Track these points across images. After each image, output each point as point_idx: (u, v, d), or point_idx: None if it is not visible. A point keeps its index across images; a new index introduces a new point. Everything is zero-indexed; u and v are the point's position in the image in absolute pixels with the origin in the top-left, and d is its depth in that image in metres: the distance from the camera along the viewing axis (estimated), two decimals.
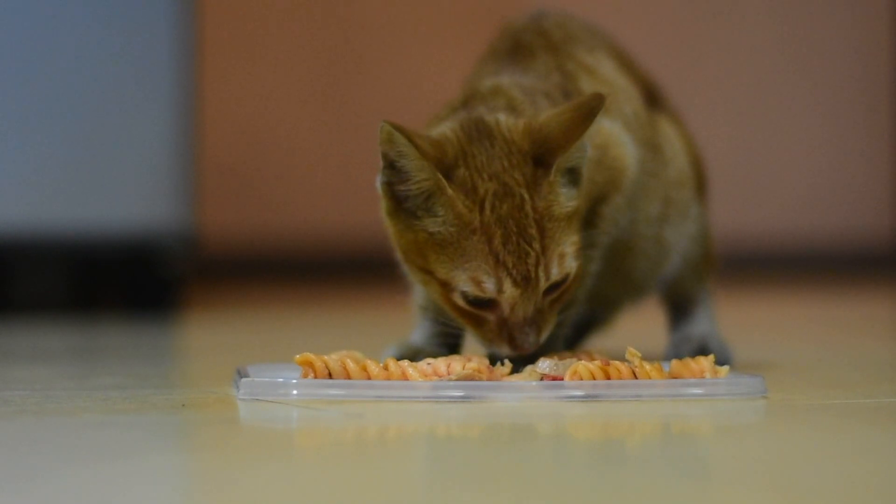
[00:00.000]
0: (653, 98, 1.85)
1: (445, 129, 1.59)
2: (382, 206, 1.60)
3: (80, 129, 3.04)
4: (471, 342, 1.74)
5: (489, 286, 1.53)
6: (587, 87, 1.72)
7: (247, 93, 4.49)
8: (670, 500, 1.03)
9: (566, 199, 1.56)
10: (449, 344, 1.71)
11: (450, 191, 1.54)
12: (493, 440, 1.34)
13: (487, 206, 1.54)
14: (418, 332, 1.73)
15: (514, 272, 1.53)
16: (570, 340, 1.81)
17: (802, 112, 4.86)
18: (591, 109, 1.55)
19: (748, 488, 1.07)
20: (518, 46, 1.76)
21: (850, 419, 1.45)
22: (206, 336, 2.79)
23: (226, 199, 4.43)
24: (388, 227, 1.61)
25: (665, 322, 1.96)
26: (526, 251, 1.53)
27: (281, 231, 4.52)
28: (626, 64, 1.82)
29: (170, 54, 3.08)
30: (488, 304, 1.55)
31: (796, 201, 4.86)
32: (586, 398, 1.50)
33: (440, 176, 1.54)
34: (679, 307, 1.94)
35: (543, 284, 1.54)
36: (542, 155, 1.56)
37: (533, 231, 1.53)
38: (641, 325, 2.17)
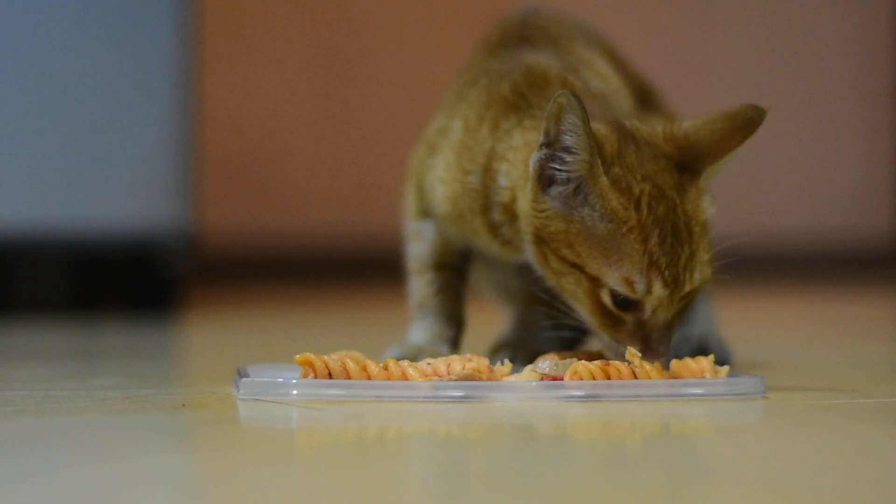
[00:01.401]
0: (644, 98, 1.85)
1: (599, 126, 1.56)
2: (530, 186, 1.55)
3: (80, 129, 3.04)
4: (471, 342, 1.74)
5: (640, 286, 1.52)
6: (589, 80, 1.71)
7: (247, 93, 4.49)
8: (670, 500, 1.03)
9: (707, 207, 1.57)
10: (449, 343, 1.71)
11: (605, 180, 1.52)
12: (493, 440, 1.34)
13: (644, 205, 1.53)
14: (418, 331, 1.73)
15: (667, 273, 1.52)
16: (570, 340, 1.81)
17: (802, 112, 4.86)
18: (750, 121, 1.58)
19: (748, 488, 1.07)
20: (523, 37, 1.75)
21: (850, 419, 1.45)
22: (206, 336, 2.79)
23: (226, 199, 4.43)
24: (530, 212, 1.55)
25: None
26: (678, 254, 1.53)
27: (281, 231, 4.51)
28: (617, 63, 1.82)
29: (170, 54, 3.08)
30: (633, 304, 1.53)
31: (796, 201, 4.86)
32: (586, 398, 1.50)
33: (598, 161, 1.52)
34: None
35: (688, 288, 1.54)
36: (688, 162, 1.56)
37: (684, 235, 1.54)
38: None
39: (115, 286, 3.24)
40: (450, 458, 1.24)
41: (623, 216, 1.52)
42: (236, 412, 1.48)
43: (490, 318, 1.86)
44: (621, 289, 1.52)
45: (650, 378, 1.52)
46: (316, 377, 1.52)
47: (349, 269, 4.44)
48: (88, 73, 3.04)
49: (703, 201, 1.57)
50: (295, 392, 1.50)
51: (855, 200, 4.89)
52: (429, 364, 1.53)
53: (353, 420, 1.42)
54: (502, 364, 1.56)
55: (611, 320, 1.54)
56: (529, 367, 1.55)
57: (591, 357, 1.55)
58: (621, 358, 1.53)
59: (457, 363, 1.52)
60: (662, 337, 1.53)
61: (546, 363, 1.54)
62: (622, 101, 1.75)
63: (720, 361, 1.58)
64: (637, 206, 1.53)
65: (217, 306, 3.54)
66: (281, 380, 1.52)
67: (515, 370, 1.56)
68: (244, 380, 1.52)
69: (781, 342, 2.53)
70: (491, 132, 1.62)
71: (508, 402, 1.49)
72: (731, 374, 1.55)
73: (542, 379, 1.52)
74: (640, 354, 1.53)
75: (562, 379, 1.51)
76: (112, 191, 3.07)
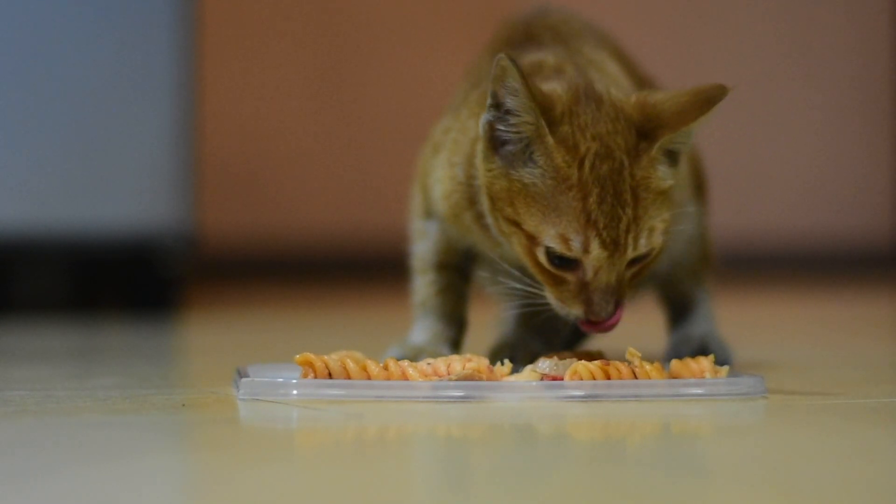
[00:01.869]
0: None
1: (555, 86, 1.58)
2: (480, 147, 1.58)
3: (80, 130, 3.04)
4: (471, 342, 1.75)
5: (576, 244, 1.52)
6: (598, 83, 1.72)
7: (247, 93, 4.49)
8: (670, 500, 1.03)
9: (663, 176, 1.56)
10: (450, 343, 1.71)
11: (550, 139, 1.53)
12: (493, 440, 1.34)
13: (587, 164, 1.53)
14: (418, 331, 1.73)
15: (605, 234, 1.52)
16: (570, 340, 1.82)
17: (802, 112, 4.86)
18: (710, 98, 1.56)
19: (748, 488, 1.07)
20: (531, 37, 1.75)
21: (850, 419, 1.45)
22: (206, 336, 2.79)
23: (226, 199, 4.43)
24: (482, 173, 1.58)
25: (665, 322, 1.96)
26: (619, 215, 1.52)
27: (281, 231, 4.51)
28: (626, 63, 1.82)
29: (170, 54, 3.08)
30: (572, 264, 1.54)
31: (796, 201, 4.86)
32: (586, 398, 1.50)
33: (543, 122, 1.53)
34: (678, 307, 1.94)
35: (630, 253, 1.53)
36: (649, 129, 1.55)
37: (628, 197, 1.53)
38: (641, 325, 2.17)
39: (115, 286, 3.24)
40: (450, 458, 1.24)
41: (565, 173, 1.53)
42: (236, 412, 1.48)
43: (490, 319, 1.86)
44: (557, 246, 1.53)
45: (650, 378, 1.52)
46: (316, 377, 1.52)
47: (349, 269, 4.44)
48: (88, 74, 3.04)
49: (656, 169, 1.55)
50: (295, 392, 1.50)
51: (855, 200, 4.89)
52: (429, 364, 1.53)
53: (353, 420, 1.42)
54: (502, 364, 1.56)
55: (553, 279, 1.55)
56: (529, 367, 1.55)
57: (591, 357, 1.55)
58: (566, 317, 1.55)
59: (457, 363, 1.52)
60: (605, 300, 1.53)
61: (546, 363, 1.54)
62: None
63: (720, 361, 1.58)
64: (580, 165, 1.53)
65: (217, 306, 3.54)
66: (281, 380, 1.52)
67: (515, 370, 1.56)
68: (244, 380, 1.52)
69: (781, 342, 2.53)
70: (476, 123, 1.62)
71: (508, 402, 1.49)
72: (731, 375, 1.55)
73: (542, 379, 1.52)
74: (639, 354, 1.53)
75: (562, 379, 1.51)
76: (112, 191, 3.07)
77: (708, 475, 1.15)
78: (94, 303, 3.25)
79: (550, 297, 1.56)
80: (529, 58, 1.68)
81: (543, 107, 1.54)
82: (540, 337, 1.71)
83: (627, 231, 1.52)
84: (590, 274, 1.53)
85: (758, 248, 4.78)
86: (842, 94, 4.87)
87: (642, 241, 1.53)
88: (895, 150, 4.91)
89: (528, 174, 1.55)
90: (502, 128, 1.55)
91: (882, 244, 4.86)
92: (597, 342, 1.92)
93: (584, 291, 1.54)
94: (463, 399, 1.49)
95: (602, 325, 1.54)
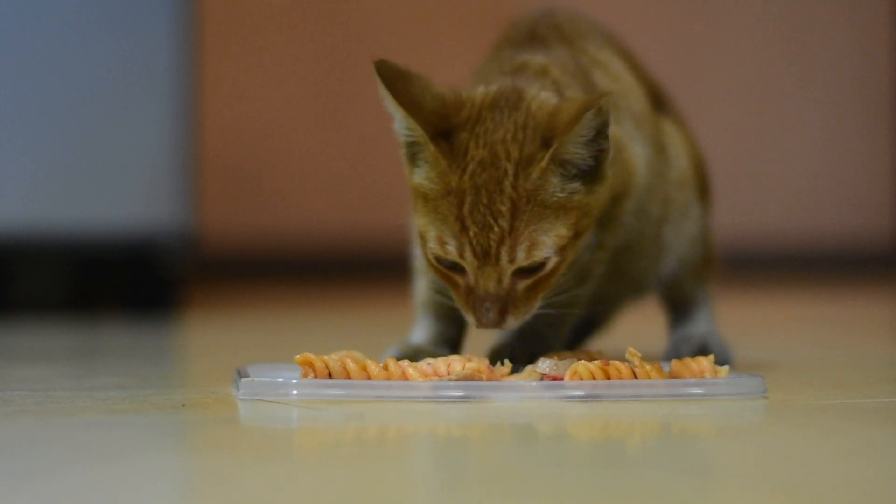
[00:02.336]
0: (656, 99, 1.85)
1: (482, 90, 1.59)
2: (401, 149, 1.60)
3: (80, 130, 3.04)
4: (471, 342, 1.74)
5: (451, 248, 1.53)
6: (600, 81, 1.72)
7: (247, 93, 4.49)
8: (670, 500, 1.03)
9: (560, 189, 1.54)
10: (450, 343, 1.71)
11: (432, 146, 1.54)
12: (493, 440, 1.34)
13: (469, 171, 1.53)
14: (418, 331, 1.73)
15: (475, 242, 1.52)
16: (570, 340, 1.81)
17: (802, 112, 4.86)
18: (586, 105, 1.52)
19: (748, 488, 1.07)
20: (534, 37, 1.75)
21: (850, 419, 1.45)
22: (206, 336, 2.79)
23: (226, 199, 4.43)
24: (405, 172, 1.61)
25: (665, 322, 1.96)
26: (490, 225, 1.52)
27: (281, 231, 4.51)
28: (632, 63, 1.82)
29: (170, 54, 3.08)
30: (457, 267, 1.55)
31: (796, 201, 4.86)
32: (586, 398, 1.50)
33: (420, 128, 1.54)
34: (679, 308, 1.94)
35: (506, 265, 1.52)
36: (548, 138, 1.54)
37: (504, 208, 1.52)
38: (641, 325, 2.17)
39: (115, 286, 3.24)
40: (450, 458, 1.24)
41: (447, 178, 1.54)
42: (236, 412, 1.48)
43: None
44: (437, 248, 1.54)
45: (650, 378, 1.52)
46: (316, 377, 1.52)
47: (349, 268, 4.44)
48: (88, 74, 3.04)
49: (548, 181, 1.53)
50: (295, 392, 1.50)
51: (855, 200, 4.89)
52: (429, 364, 1.53)
53: (353, 420, 1.42)
54: (502, 364, 1.56)
55: (448, 280, 1.57)
56: (529, 367, 1.55)
57: (590, 357, 1.55)
58: (470, 324, 1.57)
59: (457, 363, 1.52)
60: (486, 308, 1.53)
61: (546, 363, 1.54)
62: (633, 100, 1.75)
63: (720, 361, 1.58)
64: (462, 171, 1.53)
65: (217, 306, 3.54)
66: (281, 380, 1.52)
67: (515, 370, 1.56)
68: (244, 380, 1.52)
69: (781, 342, 2.53)
70: None
71: (508, 402, 1.49)
72: (731, 375, 1.55)
73: (542, 379, 1.52)
74: (639, 354, 1.53)
75: (562, 379, 1.51)
76: (112, 191, 3.07)
77: (708, 475, 1.15)
78: (94, 303, 3.25)
79: (454, 301, 1.58)
80: (519, 58, 1.68)
81: (437, 114, 1.55)
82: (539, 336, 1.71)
83: (500, 242, 1.52)
84: (472, 280, 1.54)
85: (758, 248, 4.77)
86: (842, 94, 4.87)
87: (520, 255, 1.52)
88: (895, 150, 4.91)
89: (419, 175, 1.57)
90: (402, 132, 1.58)
91: (882, 244, 4.86)
92: (597, 342, 1.92)
93: (470, 295, 1.55)
94: (463, 399, 1.49)
95: (492, 328, 1.55)
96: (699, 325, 1.91)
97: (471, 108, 1.56)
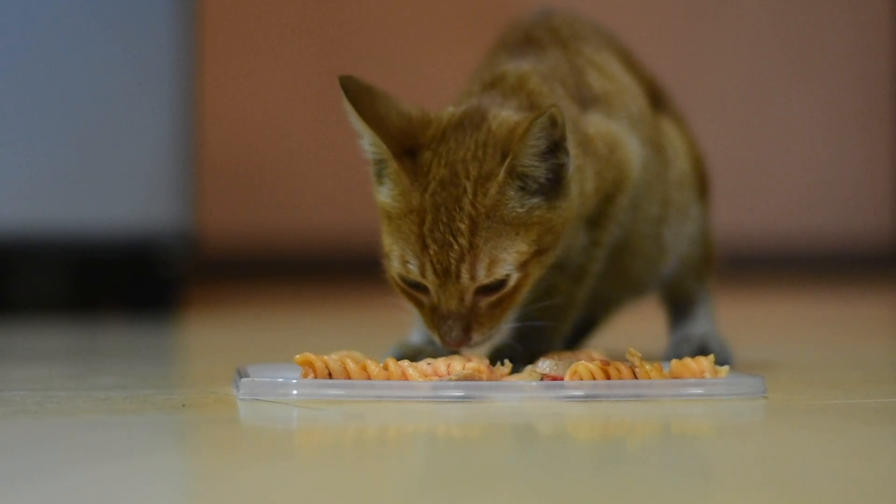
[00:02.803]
0: (656, 99, 1.85)
1: (450, 109, 1.60)
2: (370, 167, 1.61)
3: (80, 130, 3.04)
4: None
5: (413, 268, 1.53)
6: (595, 82, 1.72)
7: (247, 93, 4.49)
8: (670, 500, 1.03)
9: (519, 205, 1.53)
10: None
11: (395, 163, 1.54)
12: (493, 440, 1.34)
13: (430, 189, 1.53)
14: (418, 331, 1.73)
15: (435, 261, 1.52)
16: (570, 340, 1.81)
17: (802, 112, 4.86)
18: (534, 117, 1.51)
19: (748, 488, 1.07)
20: (529, 39, 1.75)
21: (850, 419, 1.45)
22: (206, 336, 2.79)
23: (226, 199, 4.43)
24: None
25: (665, 322, 1.96)
26: (450, 243, 1.52)
27: (281, 231, 4.51)
28: (631, 64, 1.82)
29: (170, 54, 3.08)
30: (420, 287, 1.55)
31: (796, 201, 4.86)
32: (586, 398, 1.50)
33: (384, 145, 1.55)
34: (679, 307, 1.94)
35: (467, 283, 1.52)
36: (506, 153, 1.54)
37: (463, 226, 1.52)
38: (641, 325, 2.17)
39: (115, 286, 3.24)
40: (450, 458, 1.24)
41: (409, 197, 1.54)
42: (236, 412, 1.48)
43: None
44: (399, 267, 1.55)
45: (650, 378, 1.52)
46: (316, 377, 1.52)
47: (349, 268, 4.44)
48: (88, 74, 3.04)
49: (507, 197, 1.53)
50: (295, 392, 1.50)
51: (855, 200, 4.89)
52: (429, 364, 1.53)
53: (353, 420, 1.42)
54: (502, 364, 1.56)
55: (413, 300, 1.57)
56: (529, 367, 1.55)
57: (591, 357, 1.55)
58: (433, 342, 1.58)
59: (457, 363, 1.52)
60: (449, 326, 1.53)
61: (546, 363, 1.54)
62: (630, 100, 1.75)
63: (720, 361, 1.58)
64: (424, 190, 1.53)
65: (217, 306, 3.54)
66: (281, 380, 1.52)
67: (515, 370, 1.56)
68: (244, 380, 1.52)
69: (781, 342, 2.53)
70: None
71: (508, 402, 1.49)
72: (731, 375, 1.55)
73: (542, 379, 1.52)
74: (639, 354, 1.53)
75: (562, 379, 1.51)
76: (112, 191, 3.07)
77: (708, 475, 1.15)
78: (94, 303, 3.25)
79: (419, 320, 1.58)
80: (500, 68, 1.68)
81: (402, 132, 1.55)
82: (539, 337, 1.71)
83: (460, 260, 1.52)
84: (435, 299, 1.54)
85: (758, 248, 4.77)
86: (842, 94, 4.87)
87: (480, 272, 1.52)
88: (895, 150, 4.91)
89: (383, 193, 1.57)
90: (369, 148, 1.58)
91: (882, 244, 4.86)
92: (597, 342, 1.92)
93: (434, 314, 1.55)
94: (463, 399, 1.49)
95: (457, 346, 1.55)
96: (699, 325, 1.92)
97: (436, 128, 1.57)
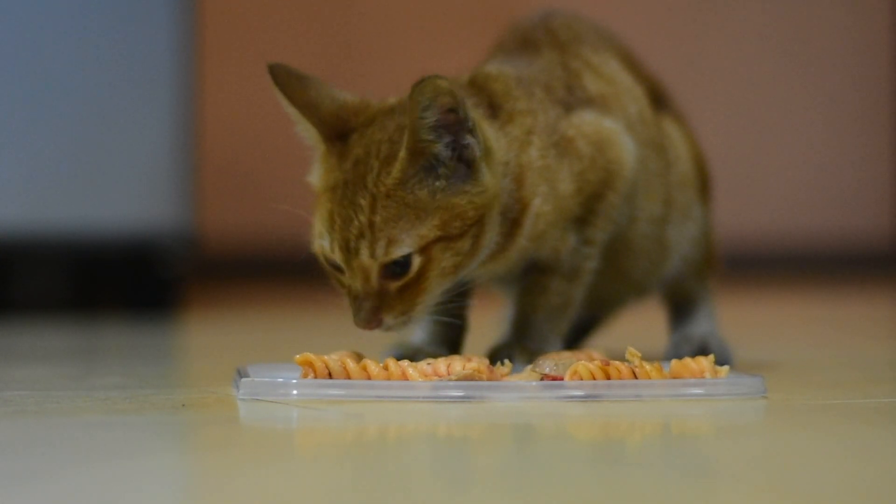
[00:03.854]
0: (658, 99, 1.85)
1: (391, 98, 1.61)
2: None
3: (80, 130, 3.04)
4: (471, 342, 1.74)
5: (325, 244, 1.56)
6: (591, 84, 1.72)
7: (247, 93, 4.49)
8: (670, 500, 1.03)
9: (420, 186, 1.54)
10: (449, 343, 1.71)
11: (323, 145, 1.58)
12: (493, 440, 1.34)
13: (346, 167, 1.56)
14: (418, 331, 1.73)
15: (339, 236, 1.55)
16: (571, 340, 1.82)
17: (802, 112, 4.86)
18: (411, 91, 1.52)
19: (748, 488, 1.07)
20: (525, 42, 1.76)
21: (850, 419, 1.45)
22: (206, 336, 2.79)
23: (226, 199, 4.43)
24: None
25: (665, 322, 1.96)
26: (351, 219, 1.54)
27: (281, 231, 4.51)
28: (632, 64, 1.82)
29: (169, 55, 3.08)
30: (338, 267, 1.56)
31: (796, 201, 4.86)
32: (586, 398, 1.50)
33: (314, 129, 1.58)
34: (680, 307, 1.94)
35: (367, 260, 1.53)
36: None
37: (363, 202, 1.54)
38: (641, 325, 2.17)
39: (115, 286, 3.24)
40: (450, 458, 1.24)
41: (328, 175, 1.57)
42: (236, 412, 1.48)
43: (490, 318, 1.86)
44: (316, 242, 1.58)
45: (650, 378, 1.52)
46: (316, 377, 1.52)
47: None
48: (88, 74, 3.04)
49: (407, 176, 1.53)
50: (295, 392, 1.50)
51: (855, 200, 4.89)
52: (429, 364, 1.53)
53: (353, 420, 1.42)
54: (502, 364, 1.56)
55: (336, 281, 1.59)
56: (529, 367, 1.55)
57: (591, 357, 1.55)
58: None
59: (457, 363, 1.52)
60: (358, 306, 1.55)
61: (546, 363, 1.54)
62: (629, 101, 1.75)
63: (720, 361, 1.58)
64: (341, 168, 1.56)
65: (217, 306, 3.54)
66: (281, 380, 1.52)
67: (515, 370, 1.56)
68: (244, 380, 1.52)
69: (781, 342, 2.53)
70: None
71: (508, 402, 1.49)
72: (731, 375, 1.55)
73: (542, 379, 1.52)
74: (639, 354, 1.53)
75: (562, 379, 1.51)
76: (112, 191, 3.07)
77: (708, 475, 1.15)
78: (94, 303, 3.25)
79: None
80: (479, 69, 1.69)
81: (333, 115, 1.58)
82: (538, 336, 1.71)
83: (360, 236, 1.54)
84: (346, 278, 1.56)
85: (758, 248, 4.77)
86: (842, 94, 4.87)
87: (378, 250, 1.53)
88: (895, 150, 4.91)
89: (313, 175, 1.60)
90: (300, 133, 1.62)
91: (882, 244, 4.86)
92: (597, 342, 1.92)
93: (349, 294, 1.57)
94: (463, 399, 1.49)
95: (367, 327, 1.56)
96: (700, 325, 1.92)
97: (368, 113, 1.59)
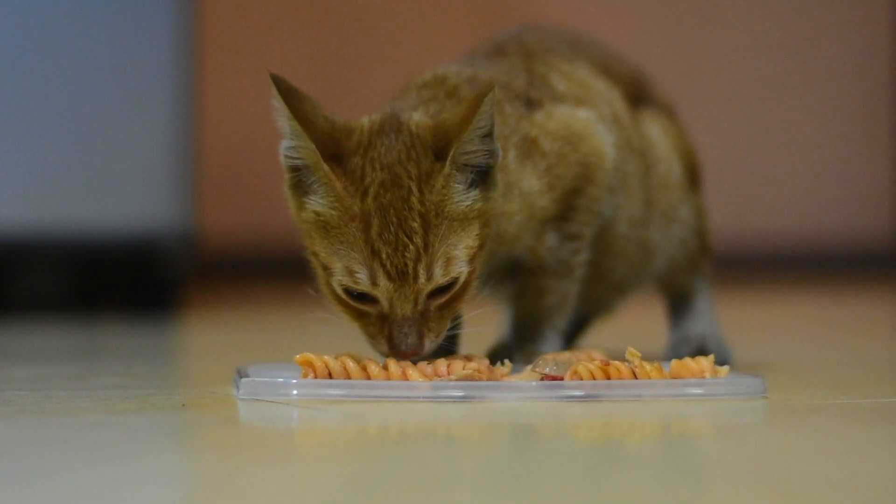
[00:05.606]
0: (639, 96, 1.84)
1: (366, 119, 1.56)
2: (285, 178, 1.57)
3: (80, 130, 3.04)
4: (471, 342, 1.74)
5: (362, 277, 1.49)
6: (560, 85, 1.71)
7: (247, 93, 4.49)
8: (670, 500, 1.03)
9: (464, 198, 1.52)
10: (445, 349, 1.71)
11: (325, 166, 1.50)
12: (493, 440, 1.34)
13: (371, 193, 1.49)
14: None
15: (388, 264, 1.48)
16: (567, 339, 1.81)
17: (802, 112, 4.86)
18: (477, 97, 1.50)
19: (748, 488, 1.07)
20: (496, 51, 1.76)
21: (850, 419, 1.45)
22: (206, 336, 2.79)
23: (226, 199, 4.43)
24: (289, 205, 1.57)
25: (664, 318, 1.96)
26: (405, 244, 1.48)
27: (281, 231, 4.51)
28: (608, 69, 1.81)
29: (170, 54, 3.08)
30: (367, 297, 1.51)
31: (796, 201, 4.86)
32: (586, 398, 1.50)
33: (313, 144, 1.51)
34: (676, 303, 1.93)
35: (424, 284, 1.49)
36: (441, 149, 1.52)
37: (416, 225, 1.49)
38: (641, 325, 2.17)
39: (115, 286, 3.24)
40: (450, 457, 1.24)
41: (348, 204, 1.50)
42: (236, 412, 1.48)
43: (490, 319, 1.86)
44: (346, 279, 1.50)
45: (650, 378, 1.52)
46: (316, 377, 1.52)
47: None
48: (88, 74, 3.04)
49: (452, 191, 1.51)
50: (295, 392, 1.50)
51: (855, 200, 4.89)
52: (429, 364, 1.53)
53: (353, 420, 1.42)
54: (502, 364, 1.56)
55: (355, 313, 1.52)
56: (529, 367, 1.55)
57: (591, 357, 1.55)
58: (381, 356, 1.52)
59: (457, 363, 1.52)
60: (404, 334, 1.49)
61: (546, 363, 1.54)
62: (601, 103, 1.74)
63: (720, 361, 1.58)
64: (364, 195, 1.49)
65: (217, 306, 3.54)
66: (281, 380, 1.52)
67: (515, 370, 1.56)
68: (244, 380, 1.52)
69: (781, 342, 2.53)
70: None
71: (508, 402, 1.49)
72: (731, 375, 1.55)
73: (542, 379, 1.52)
74: (639, 354, 1.53)
75: (562, 379, 1.51)
76: (112, 191, 3.07)
77: (708, 475, 1.15)
78: (94, 303, 3.25)
79: (361, 332, 1.54)
80: (436, 70, 1.68)
81: (328, 135, 1.52)
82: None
83: (417, 260, 1.48)
84: (386, 307, 1.50)
85: (757, 248, 4.77)
86: (842, 95, 4.87)
87: (437, 271, 1.49)
88: (895, 150, 4.91)
89: (316, 202, 1.52)
90: (287, 154, 1.55)
91: (882, 244, 4.86)
92: (597, 342, 1.92)
93: (384, 324, 1.51)
94: (463, 399, 1.49)
95: (411, 355, 1.51)
96: (698, 324, 1.91)
97: (360, 135, 1.53)
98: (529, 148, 1.64)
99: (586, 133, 1.68)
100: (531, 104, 1.68)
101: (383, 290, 1.49)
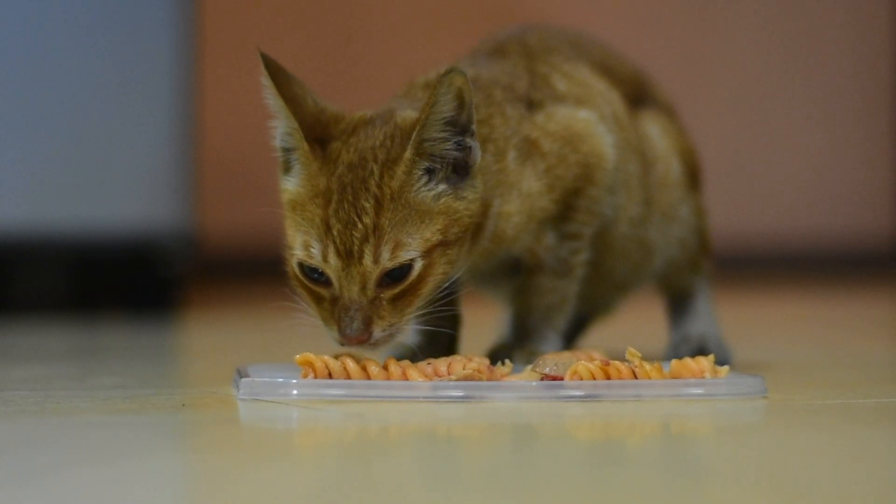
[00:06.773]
0: (639, 97, 1.84)
1: (362, 112, 1.58)
2: (279, 164, 1.59)
3: (80, 130, 3.04)
4: (471, 342, 1.74)
5: (315, 252, 1.51)
6: (561, 85, 1.72)
7: (247, 93, 4.48)
8: (670, 500, 1.03)
9: (427, 189, 1.52)
10: (444, 349, 1.71)
11: (305, 145, 1.53)
12: (493, 440, 1.34)
13: (337, 172, 1.51)
14: (412, 336, 1.72)
15: (338, 241, 1.50)
16: (567, 339, 1.81)
17: (802, 112, 4.86)
18: (438, 80, 1.50)
19: (748, 488, 1.07)
20: (496, 51, 1.76)
21: (850, 419, 1.45)
22: (206, 336, 2.79)
23: (226, 199, 4.43)
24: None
25: (664, 318, 1.96)
26: (354, 222, 1.49)
27: (281, 231, 4.51)
28: (609, 69, 1.81)
29: (170, 54, 3.08)
30: (322, 278, 1.52)
31: (796, 201, 4.86)
32: (586, 398, 1.50)
33: (296, 123, 1.53)
34: (676, 302, 1.93)
35: (370, 266, 1.49)
36: (413, 140, 1.53)
37: (368, 205, 1.50)
38: (641, 325, 2.17)
39: (115, 286, 3.24)
40: (450, 457, 1.24)
41: (316, 181, 1.52)
42: (236, 412, 1.49)
43: (490, 318, 1.86)
44: (301, 253, 1.52)
45: (650, 378, 1.52)
46: (316, 377, 1.52)
47: None
48: (88, 74, 3.04)
49: (413, 179, 1.51)
50: (295, 392, 1.50)
51: (855, 200, 4.89)
52: (429, 364, 1.53)
53: (353, 420, 1.42)
54: (502, 364, 1.56)
55: (313, 297, 1.54)
56: (529, 367, 1.55)
57: (590, 357, 1.55)
58: (335, 342, 1.52)
59: (457, 363, 1.52)
60: (350, 317, 1.50)
61: (546, 363, 1.54)
62: (602, 103, 1.74)
63: (720, 361, 1.58)
64: (331, 174, 1.52)
65: (217, 306, 3.54)
66: (281, 380, 1.52)
67: (515, 370, 1.56)
68: (244, 380, 1.52)
69: (781, 342, 2.53)
70: None
71: (508, 402, 1.49)
72: (731, 375, 1.55)
73: (542, 379, 1.52)
74: (639, 354, 1.53)
75: (562, 379, 1.51)
76: (112, 191, 3.07)
77: (708, 475, 1.15)
78: (93, 303, 3.25)
79: (317, 318, 1.54)
80: (442, 70, 1.68)
81: (314, 118, 1.54)
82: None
83: (364, 240, 1.49)
84: (337, 288, 1.51)
85: (757, 248, 4.77)
86: (841, 95, 4.87)
87: (384, 254, 1.50)
88: (895, 150, 4.91)
89: (290, 182, 1.56)
90: (278, 133, 1.57)
91: (882, 244, 4.86)
92: (597, 342, 1.92)
93: (335, 308, 1.52)
94: (463, 399, 1.49)
95: (356, 340, 1.51)
96: (698, 324, 1.91)
97: (347, 123, 1.55)
98: (529, 149, 1.64)
99: (587, 134, 1.68)
100: (532, 106, 1.68)
101: (333, 268, 1.50)
